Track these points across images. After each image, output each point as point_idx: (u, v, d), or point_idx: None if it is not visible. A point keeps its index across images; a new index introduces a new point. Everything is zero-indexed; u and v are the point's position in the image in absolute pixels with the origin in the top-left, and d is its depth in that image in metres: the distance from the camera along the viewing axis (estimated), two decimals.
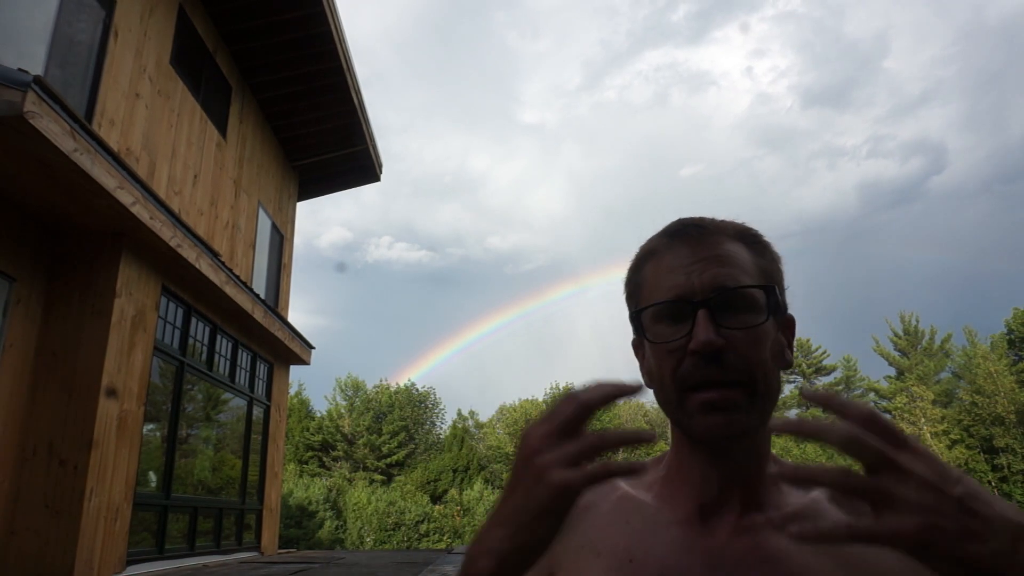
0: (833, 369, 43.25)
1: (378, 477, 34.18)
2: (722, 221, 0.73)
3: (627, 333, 0.80)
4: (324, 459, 35.01)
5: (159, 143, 6.94)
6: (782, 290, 0.71)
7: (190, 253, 6.09)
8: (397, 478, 33.35)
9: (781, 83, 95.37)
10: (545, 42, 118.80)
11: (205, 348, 7.54)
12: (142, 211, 5.19)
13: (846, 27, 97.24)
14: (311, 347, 10.49)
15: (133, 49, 6.46)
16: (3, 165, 4.38)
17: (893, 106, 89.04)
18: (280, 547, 10.60)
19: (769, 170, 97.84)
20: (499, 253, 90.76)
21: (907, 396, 31.73)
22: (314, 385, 48.03)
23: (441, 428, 39.28)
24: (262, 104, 10.09)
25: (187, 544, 7.00)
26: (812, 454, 31.14)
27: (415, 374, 67.29)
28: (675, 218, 0.74)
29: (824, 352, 43.53)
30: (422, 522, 27.48)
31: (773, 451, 0.73)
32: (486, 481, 32.60)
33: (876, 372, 49.85)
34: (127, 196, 4.97)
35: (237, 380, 8.54)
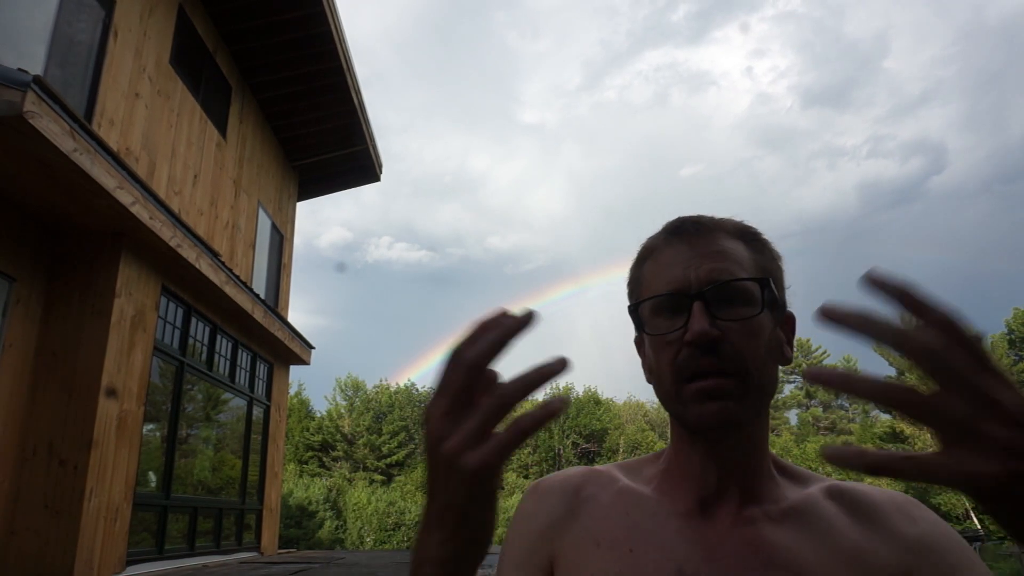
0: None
1: (378, 477, 34.18)
2: (721, 219, 0.74)
3: (627, 333, 0.81)
4: (324, 459, 35.01)
5: (159, 143, 6.94)
6: (780, 287, 0.72)
7: (190, 253, 6.09)
8: (397, 478, 33.35)
9: (781, 83, 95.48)
10: (545, 42, 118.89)
11: (205, 348, 7.54)
12: (142, 211, 5.19)
13: (846, 27, 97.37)
14: (311, 347, 10.49)
15: (133, 49, 6.46)
16: (3, 165, 4.38)
17: (893, 106, 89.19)
18: (280, 547, 10.60)
19: (769, 170, 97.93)
20: (499, 253, 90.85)
21: None
22: (314, 385, 47.94)
23: None
24: (262, 104, 10.09)
25: (187, 544, 7.00)
26: (812, 454, 31.15)
27: (415, 374, 67.09)
28: (675, 218, 0.76)
29: (824, 352, 43.55)
30: None
31: (773, 450, 0.74)
32: None
33: (876, 372, 49.86)
34: (127, 196, 4.97)
35: (237, 380, 8.54)
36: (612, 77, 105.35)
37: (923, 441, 30.38)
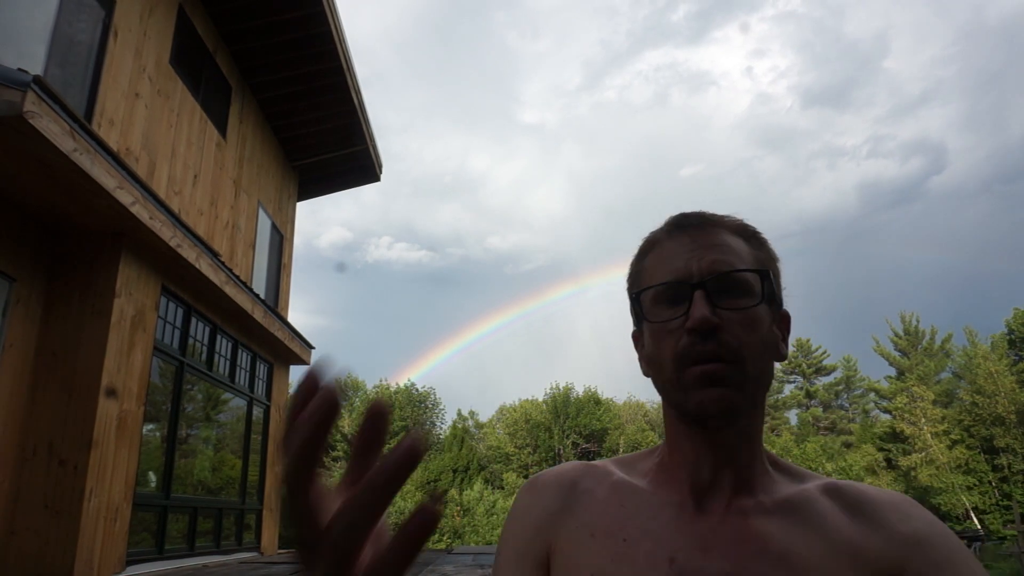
0: (833, 369, 43.30)
1: None
2: (722, 215, 0.76)
3: (627, 333, 0.81)
4: (324, 459, 35.00)
5: (159, 143, 6.94)
6: (778, 285, 0.74)
7: (190, 253, 6.09)
8: None
9: (781, 83, 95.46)
10: (545, 42, 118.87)
11: (205, 348, 7.54)
12: (142, 211, 5.19)
13: (846, 27, 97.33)
14: (311, 347, 10.49)
15: (133, 49, 6.46)
16: (3, 165, 4.38)
17: (893, 106, 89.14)
18: (280, 547, 10.60)
19: (769, 170, 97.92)
20: (499, 253, 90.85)
21: (907, 396, 31.71)
22: None
23: (441, 428, 39.31)
24: (262, 104, 10.09)
25: (187, 544, 7.00)
26: (812, 454, 31.15)
27: (415, 374, 67.40)
28: (677, 213, 0.78)
29: (824, 352, 43.56)
30: None
31: (773, 450, 0.75)
32: (486, 481, 32.62)
33: (876, 372, 49.80)
34: (127, 196, 4.97)
35: (237, 380, 8.54)
36: (612, 77, 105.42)
37: (923, 441, 30.39)
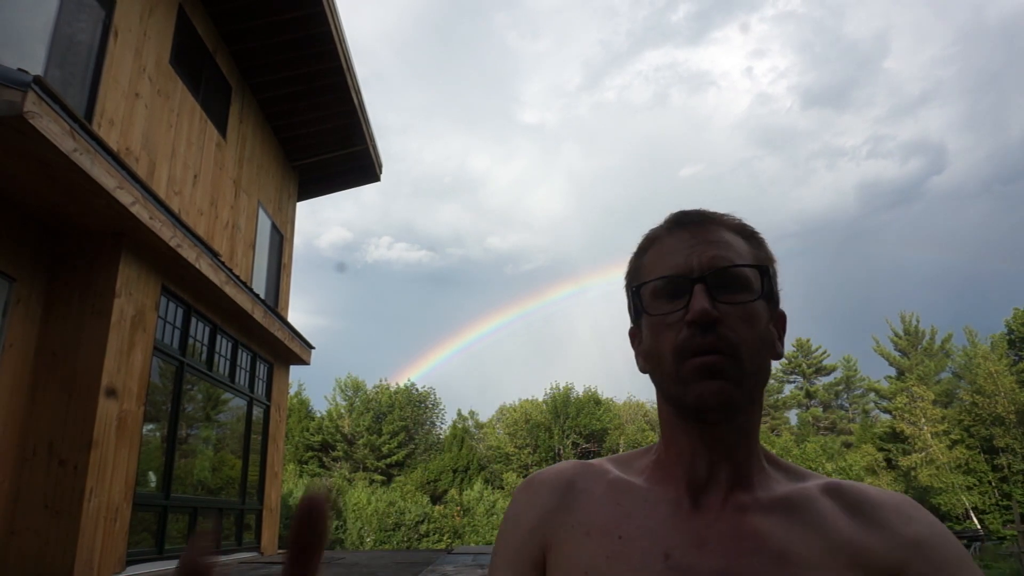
0: (833, 369, 43.28)
1: (378, 477, 34.18)
2: (722, 214, 0.77)
3: (627, 333, 0.81)
4: (324, 459, 35.01)
5: (159, 143, 6.94)
6: (775, 282, 0.75)
7: (190, 253, 6.09)
8: (397, 478, 33.36)
9: (781, 83, 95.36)
10: (545, 42, 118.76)
11: (205, 348, 7.55)
12: (142, 211, 5.19)
13: (846, 27, 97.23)
14: (311, 347, 10.49)
15: (133, 49, 6.46)
16: (3, 165, 4.38)
17: (893, 106, 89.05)
18: (280, 547, 10.60)
19: (769, 170, 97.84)
20: (499, 253, 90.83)
21: (907, 396, 31.70)
22: (314, 385, 48.02)
23: (441, 428, 39.30)
24: (262, 104, 10.09)
25: (187, 544, 7.00)
26: (812, 454, 31.14)
27: (415, 374, 67.34)
28: (677, 210, 0.79)
29: (824, 352, 43.54)
30: (422, 522, 27.47)
31: (772, 450, 0.75)
32: (486, 481, 32.61)
33: (876, 372, 49.80)
34: (127, 196, 4.97)
35: (237, 380, 8.54)
36: (612, 77, 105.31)
37: (923, 441, 30.39)
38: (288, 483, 26.83)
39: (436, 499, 30.44)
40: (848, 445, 35.61)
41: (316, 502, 0.35)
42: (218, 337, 7.84)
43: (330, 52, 9.35)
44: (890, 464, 32.23)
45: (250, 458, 8.99)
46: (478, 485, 30.11)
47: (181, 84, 7.47)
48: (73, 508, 4.82)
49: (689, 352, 0.67)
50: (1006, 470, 29.05)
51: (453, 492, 29.86)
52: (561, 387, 37.81)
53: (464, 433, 36.47)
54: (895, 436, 32.29)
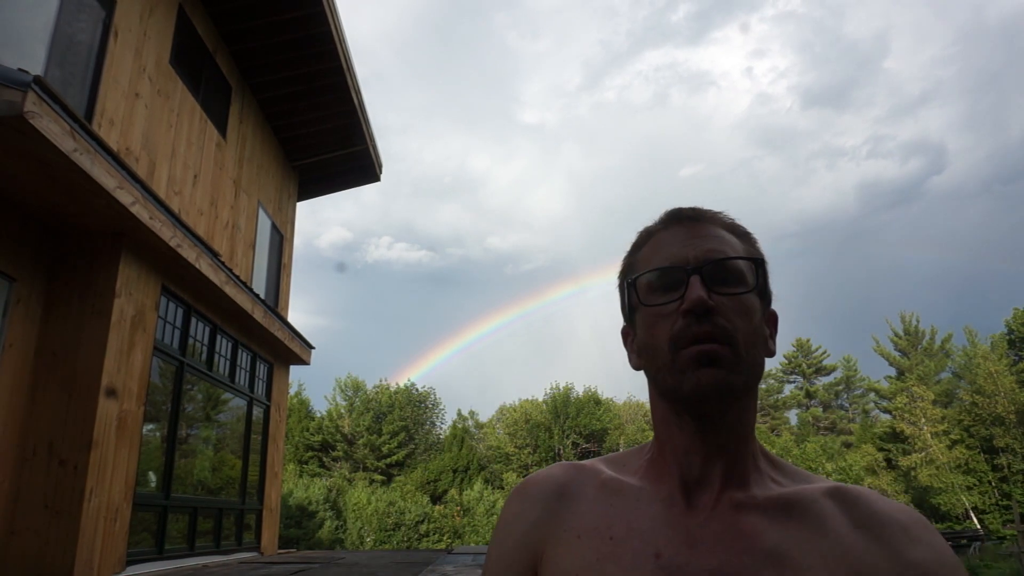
0: (833, 369, 43.29)
1: (378, 477, 34.18)
2: (716, 212, 0.77)
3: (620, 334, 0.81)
4: (324, 459, 35.01)
5: (159, 143, 6.94)
6: (767, 279, 0.75)
7: (190, 253, 6.09)
8: (397, 478, 33.35)
9: (781, 83, 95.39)
10: (545, 42, 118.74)
11: (205, 348, 7.54)
12: (142, 211, 5.19)
13: (846, 27, 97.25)
14: (311, 347, 10.49)
15: (133, 49, 6.46)
16: (3, 165, 4.38)
17: (893, 106, 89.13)
18: (280, 547, 10.60)
19: (769, 170, 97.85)
20: (499, 253, 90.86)
21: (907, 396, 31.69)
22: (314, 385, 48.04)
23: (441, 428, 39.31)
24: (262, 104, 10.09)
25: (187, 544, 7.00)
26: (812, 454, 31.13)
27: (415, 374, 67.38)
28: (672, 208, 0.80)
29: (824, 352, 43.55)
30: (422, 522, 27.47)
31: (773, 450, 0.74)
32: (486, 481, 32.60)
33: (876, 372, 49.82)
34: (127, 196, 4.97)
35: (237, 380, 8.54)
36: (612, 77, 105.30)
37: (923, 441, 30.39)
38: (288, 483, 26.84)
39: (436, 499, 30.43)
40: (848, 445, 35.61)
41: None
42: (218, 337, 7.84)
43: (330, 52, 9.35)
44: (890, 464, 32.22)
45: (250, 458, 8.99)
46: (478, 485, 30.11)
47: (181, 84, 7.47)
48: (73, 508, 4.82)
49: (685, 341, 0.66)
50: (1006, 470, 29.04)
51: (453, 492, 29.86)
52: (561, 387, 37.84)
53: (464, 433, 36.46)
54: (895, 436, 32.29)
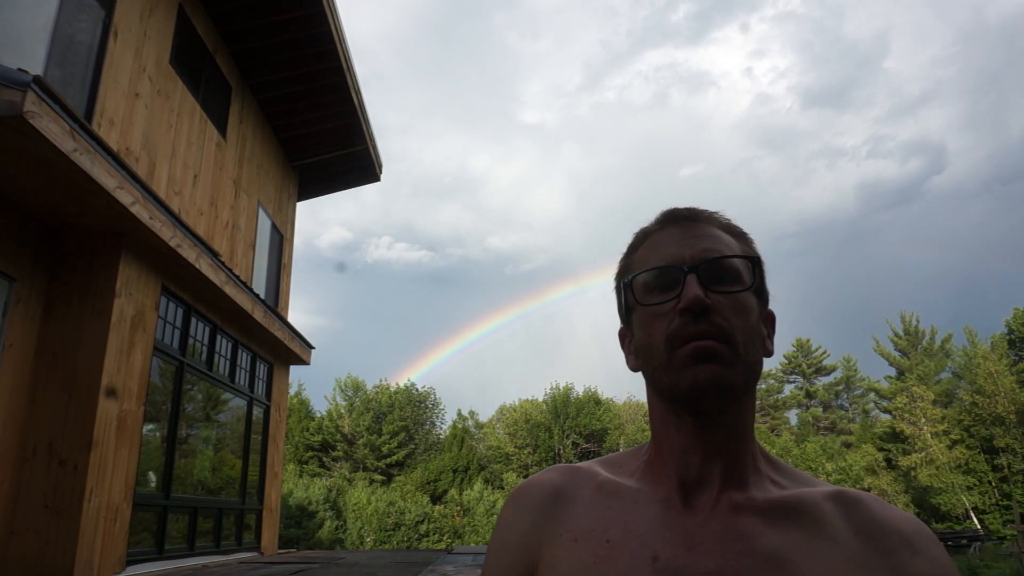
0: (833, 369, 43.30)
1: (378, 477, 34.19)
2: (711, 212, 0.77)
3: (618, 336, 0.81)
4: (324, 459, 35.01)
5: (159, 143, 6.94)
6: (763, 278, 0.74)
7: (190, 253, 6.09)
8: (397, 478, 33.35)
9: (781, 83, 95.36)
10: (545, 42, 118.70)
11: (205, 348, 7.54)
12: (142, 211, 5.19)
13: (846, 27, 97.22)
14: (311, 347, 10.49)
15: (133, 49, 6.46)
16: (3, 165, 4.38)
17: (893, 106, 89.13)
18: (280, 547, 10.60)
19: (769, 170, 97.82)
20: (499, 253, 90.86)
21: (907, 396, 31.69)
22: (314, 385, 48.04)
23: (441, 428, 39.31)
24: (262, 104, 10.09)
25: (187, 544, 7.00)
26: (812, 454, 31.14)
27: (415, 374, 67.42)
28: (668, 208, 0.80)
29: (824, 352, 43.55)
30: (422, 522, 27.48)
31: (773, 451, 0.74)
32: (486, 481, 32.60)
33: (876, 372, 49.83)
34: (127, 196, 4.97)
35: (237, 380, 8.54)
36: (612, 77, 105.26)
37: (922, 441, 30.38)
38: (288, 483, 26.84)
39: (436, 499, 30.43)
40: (848, 445, 35.61)
41: None
42: (218, 337, 7.84)
43: (330, 52, 9.35)
44: (890, 464, 32.21)
45: (250, 458, 8.99)
46: (478, 485, 30.12)
47: (181, 84, 7.47)
48: (73, 508, 4.82)
49: (681, 340, 0.66)
50: (1006, 470, 29.05)
51: (453, 492, 29.86)
52: (561, 387, 37.84)
53: (464, 433, 36.46)
54: (895, 436, 32.28)
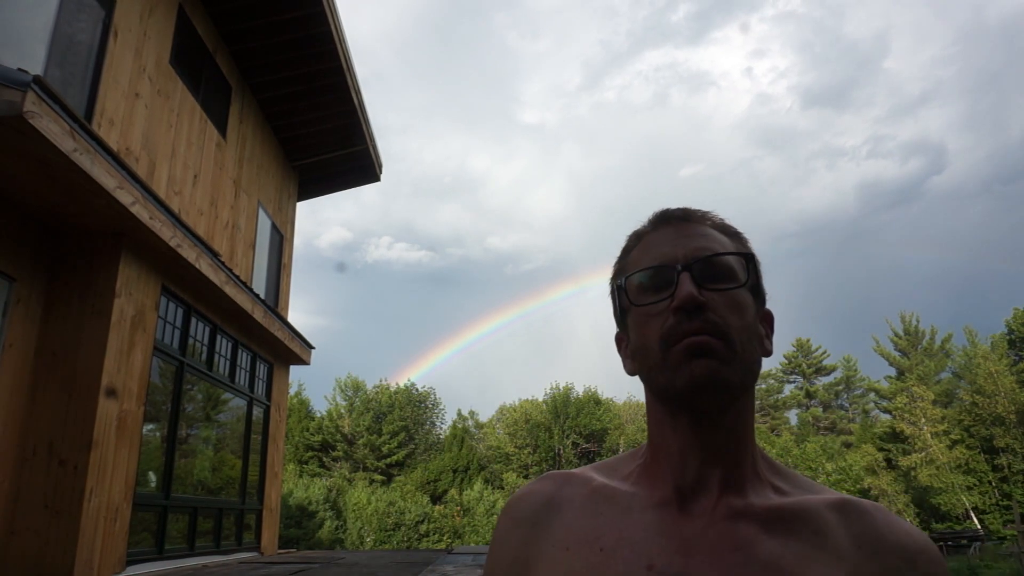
0: (833, 369, 43.30)
1: (378, 477, 34.19)
2: (705, 212, 0.77)
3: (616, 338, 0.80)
4: (324, 459, 35.01)
5: (159, 143, 6.94)
6: (760, 275, 0.74)
7: (190, 253, 6.09)
8: (397, 478, 33.36)
9: (781, 83, 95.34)
10: (545, 42, 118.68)
11: (205, 348, 7.54)
12: (142, 211, 5.19)
13: (846, 27, 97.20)
14: (311, 347, 10.49)
15: (133, 49, 6.46)
16: (3, 165, 4.38)
17: (893, 106, 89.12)
18: (280, 547, 10.60)
19: (769, 170, 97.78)
20: (499, 253, 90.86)
21: (907, 396, 31.67)
22: (314, 385, 48.04)
23: (441, 428, 39.32)
24: (262, 104, 10.09)
25: (187, 544, 7.00)
26: (812, 454, 31.13)
27: (415, 374, 67.41)
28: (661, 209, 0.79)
29: (824, 352, 43.55)
30: (422, 522, 27.48)
31: (772, 451, 0.74)
32: (486, 481, 32.60)
33: (876, 372, 49.82)
34: (127, 196, 4.97)
35: (237, 380, 8.54)
36: (612, 77, 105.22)
37: (923, 441, 30.38)
38: (288, 483, 26.85)
39: (436, 499, 30.43)
40: (848, 445, 35.59)
41: None
42: (218, 337, 7.84)
43: (330, 52, 9.35)
44: (890, 464, 32.20)
45: (250, 458, 8.99)
46: (478, 485, 30.12)
47: (181, 84, 7.47)
48: (73, 508, 4.82)
49: (676, 337, 0.65)
50: (1006, 470, 29.04)
51: (453, 492, 29.86)
52: (561, 387, 37.84)
53: (464, 433, 36.47)
54: (895, 436, 32.27)
